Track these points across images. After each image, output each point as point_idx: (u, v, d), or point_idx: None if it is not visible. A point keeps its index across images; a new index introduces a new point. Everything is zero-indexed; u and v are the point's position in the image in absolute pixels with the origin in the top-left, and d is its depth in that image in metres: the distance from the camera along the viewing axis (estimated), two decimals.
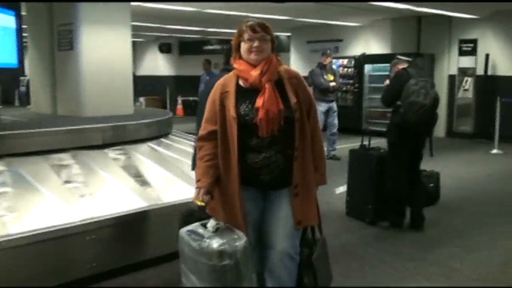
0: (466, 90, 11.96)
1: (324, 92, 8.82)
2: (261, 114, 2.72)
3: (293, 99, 2.82)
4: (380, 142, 5.95)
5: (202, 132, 2.91)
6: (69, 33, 6.32)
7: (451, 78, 12.34)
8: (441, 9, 10.79)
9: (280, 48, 3.38)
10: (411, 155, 5.28)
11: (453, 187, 6.95)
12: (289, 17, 12.00)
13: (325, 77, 8.84)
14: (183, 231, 2.79)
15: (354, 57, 13.11)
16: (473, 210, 6.11)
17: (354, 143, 7.45)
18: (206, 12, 10.95)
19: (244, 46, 2.84)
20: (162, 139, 6.01)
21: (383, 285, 3.96)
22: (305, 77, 3.08)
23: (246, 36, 2.82)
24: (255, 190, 2.88)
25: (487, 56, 11.59)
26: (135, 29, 9.29)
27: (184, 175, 4.85)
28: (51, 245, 3.61)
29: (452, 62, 12.31)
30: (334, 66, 10.24)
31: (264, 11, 10.25)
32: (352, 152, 5.75)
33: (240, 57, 2.87)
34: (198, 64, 13.68)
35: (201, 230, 2.74)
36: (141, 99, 17.44)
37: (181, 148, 5.79)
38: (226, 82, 2.90)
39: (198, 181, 2.86)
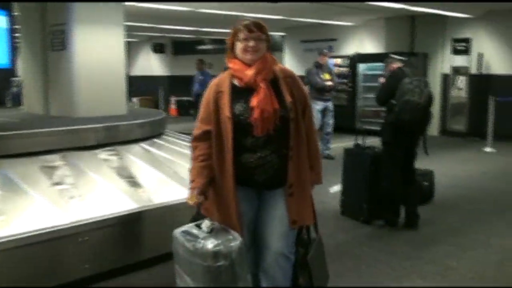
0: (459, 89, 11.99)
1: (321, 91, 8.82)
2: (256, 113, 2.70)
3: (288, 99, 2.80)
4: (374, 141, 5.95)
5: (196, 132, 2.89)
6: (62, 33, 6.26)
7: (445, 77, 12.37)
8: (435, 8, 10.81)
9: (274, 47, 3.37)
10: (406, 154, 5.27)
11: (447, 185, 6.96)
12: (283, 17, 11.99)
13: (322, 76, 8.84)
14: (177, 231, 2.77)
15: (348, 57, 13.11)
16: (468, 208, 6.11)
17: (348, 142, 7.46)
18: (200, 11, 10.92)
19: (239, 46, 2.82)
20: (155, 140, 5.97)
21: (380, 285, 3.95)
22: (301, 77, 3.05)
23: (241, 35, 2.80)
24: (250, 190, 2.86)
25: (480, 55, 11.63)
26: (128, 29, 9.24)
27: (177, 176, 4.82)
28: (39, 248, 3.57)
29: (446, 61, 12.33)
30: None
31: (257, 11, 10.23)
32: (347, 151, 5.74)
33: (235, 57, 2.86)
34: (192, 64, 13.67)
35: (195, 231, 2.72)
36: (135, 99, 17.39)
37: (174, 149, 5.75)
38: (221, 81, 2.88)
39: (192, 181, 2.84)
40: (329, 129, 9.07)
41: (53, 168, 4.45)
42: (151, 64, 20.60)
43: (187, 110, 16.44)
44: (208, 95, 2.87)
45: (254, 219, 2.93)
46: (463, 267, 4.29)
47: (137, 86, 17.53)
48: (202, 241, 2.64)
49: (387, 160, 5.27)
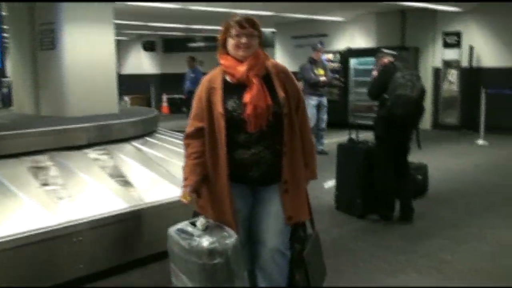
0: (451, 82, 12.02)
1: (315, 87, 8.82)
2: (249, 109, 2.68)
3: (281, 94, 2.78)
4: (367, 136, 5.95)
5: (189, 129, 2.87)
6: (51, 32, 6.22)
7: (436, 70, 12.40)
8: (425, 2, 10.83)
9: (265, 44, 3.35)
10: (399, 148, 5.28)
11: (441, 179, 6.97)
12: (273, 13, 11.96)
13: (316, 71, 8.84)
14: (172, 230, 2.76)
15: (339, 52, 13.11)
16: (461, 201, 6.13)
17: (341, 137, 7.46)
18: (190, 9, 10.88)
19: (231, 42, 2.80)
20: (147, 138, 5.94)
21: (376, 281, 3.95)
22: (294, 73, 3.04)
23: (233, 32, 2.78)
24: (244, 186, 2.84)
25: (471, 48, 11.66)
26: (118, 27, 9.20)
27: (168, 174, 4.80)
28: (34, 249, 3.54)
29: (437, 55, 12.36)
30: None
31: (248, 7, 10.20)
32: (340, 146, 5.74)
33: (227, 53, 2.84)
34: (183, 62, 13.63)
35: (190, 229, 2.70)
36: (126, 98, 17.33)
37: (166, 147, 5.72)
38: (213, 78, 2.86)
39: (185, 179, 2.82)
40: (323, 124, 9.08)
41: (42, 168, 4.41)
42: (142, 62, 20.52)
43: (179, 107, 16.42)
44: (200, 91, 2.85)
45: (249, 216, 2.91)
46: (457, 260, 4.30)
47: (129, 84, 17.45)
48: (197, 239, 2.62)
49: (380, 154, 5.27)
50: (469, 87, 11.62)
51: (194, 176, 2.80)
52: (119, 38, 17.75)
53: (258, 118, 2.69)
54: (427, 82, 11.84)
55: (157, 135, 6.35)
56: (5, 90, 15.99)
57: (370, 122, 5.69)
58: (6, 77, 11.88)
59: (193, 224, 2.73)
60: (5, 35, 6.96)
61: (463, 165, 8.21)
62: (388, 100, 5.03)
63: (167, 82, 18.83)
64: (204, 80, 2.88)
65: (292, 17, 13.12)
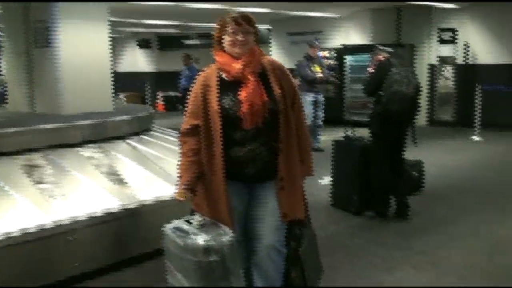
0: (446, 78, 12.04)
1: (311, 84, 8.81)
2: (245, 106, 2.67)
3: (277, 91, 2.77)
4: (363, 133, 5.95)
5: (184, 127, 2.86)
6: (46, 30, 6.18)
7: (432, 67, 12.41)
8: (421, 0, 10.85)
9: (260, 41, 3.32)
10: (394, 144, 5.28)
11: (436, 175, 6.98)
12: (269, 10, 11.94)
13: (312, 68, 8.83)
14: (168, 228, 2.75)
15: (335, 49, 13.10)
16: (457, 197, 6.14)
17: (337, 134, 7.45)
18: (185, 6, 10.84)
19: (227, 39, 2.78)
20: (143, 136, 5.92)
21: (372, 277, 3.95)
22: (289, 70, 3.03)
23: (229, 29, 2.76)
24: (240, 184, 2.83)
25: (466, 44, 11.67)
26: (113, 25, 9.16)
27: (163, 172, 4.78)
28: (29, 247, 3.53)
29: (432, 51, 12.37)
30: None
31: (243, 4, 10.18)
32: (336, 143, 5.73)
33: (222, 50, 2.82)
34: (178, 59, 13.59)
35: (186, 227, 2.69)
36: (122, 95, 17.29)
37: (161, 145, 5.71)
38: (208, 75, 2.84)
39: (180, 177, 2.81)
40: (319, 121, 9.08)
41: (36, 167, 4.38)
42: (137, 60, 20.47)
43: (175, 105, 16.39)
44: (196, 88, 2.84)
45: (244, 213, 2.90)
46: (454, 256, 4.31)
47: (124, 82, 17.41)
48: (193, 237, 2.61)
49: (376, 151, 5.27)
50: (465, 83, 11.64)
51: (189, 174, 2.79)
52: (114, 35, 17.70)
53: (254, 115, 2.68)
54: (423, 78, 11.85)
55: (152, 132, 6.33)
56: (0, 88, 15.95)
57: (365, 119, 5.68)
58: (1, 75, 11.83)
59: (189, 221, 2.72)
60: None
61: (458, 161, 8.23)
62: (384, 97, 5.03)
63: (162, 79, 18.79)
64: (200, 77, 2.87)
65: (287, 14, 13.10)
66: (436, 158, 8.25)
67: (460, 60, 11.79)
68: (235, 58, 2.77)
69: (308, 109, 8.58)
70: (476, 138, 10.20)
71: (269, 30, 15.74)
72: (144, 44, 20.06)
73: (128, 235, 4.13)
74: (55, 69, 6.16)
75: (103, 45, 6.55)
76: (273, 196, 2.82)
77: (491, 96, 10.58)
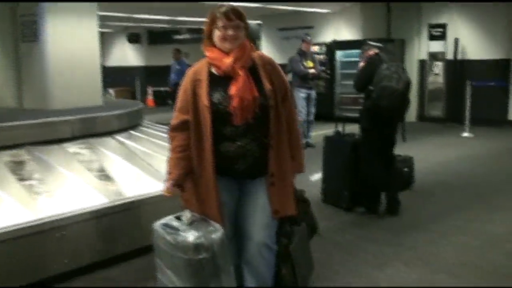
0: (436, 74, 12.07)
1: (304, 79, 8.79)
2: (235, 102, 2.64)
3: (267, 86, 2.74)
4: (353, 128, 5.93)
5: (174, 121, 2.82)
6: (33, 24, 6.11)
7: (422, 63, 12.44)
8: None
9: (251, 36, 3.31)
10: (385, 140, 5.27)
11: (427, 171, 6.99)
12: (259, 4, 11.88)
13: (305, 63, 8.80)
14: (157, 224, 2.71)
15: (325, 44, 13.08)
16: (447, 193, 6.15)
17: (327, 130, 7.44)
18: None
19: (217, 34, 2.74)
20: (132, 131, 5.86)
21: (362, 273, 3.94)
22: (280, 65, 2.99)
23: (220, 23, 2.72)
24: (230, 180, 2.81)
25: (456, 40, 11.70)
26: (102, 19, 9.06)
27: (151, 168, 4.73)
28: (18, 244, 3.50)
29: (422, 47, 12.39)
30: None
31: None
32: (327, 138, 5.72)
33: (213, 44, 2.78)
34: (168, 54, 13.51)
35: (175, 223, 2.66)
36: (111, 90, 17.18)
37: (150, 140, 5.65)
38: (198, 70, 2.81)
39: (169, 173, 2.78)
40: (311, 117, 9.05)
41: (20, 163, 4.32)
42: (127, 55, 20.33)
43: (165, 100, 16.31)
44: (185, 83, 2.80)
45: (235, 210, 2.88)
46: (444, 253, 4.31)
47: (113, 77, 17.30)
48: (183, 234, 2.58)
49: (366, 147, 5.26)
50: (455, 79, 11.68)
51: (177, 170, 2.75)
52: (104, 30, 17.55)
53: (244, 110, 2.65)
54: (413, 74, 11.87)
55: (142, 128, 6.28)
56: None
57: (356, 115, 5.67)
58: None
59: (179, 218, 2.69)
60: None
61: (448, 157, 8.25)
62: (374, 92, 5.02)
63: (152, 74, 18.69)
64: (190, 72, 2.83)
65: (278, 8, 13.05)
66: (426, 154, 8.26)
67: (450, 56, 11.82)
68: (225, 53, 2.73)
69: (301, 105, 8.56)
70: (466, 134, 10.23)
71: (259, 25, 15.68)
72: (134, 38, 19.92)
73: (116, 231, 4.08)
74: (43, 63, 6.10)
75: (92, 39, 6.49)
76: (264, 192, 2.80)
77: (481, 92, 10.62)
